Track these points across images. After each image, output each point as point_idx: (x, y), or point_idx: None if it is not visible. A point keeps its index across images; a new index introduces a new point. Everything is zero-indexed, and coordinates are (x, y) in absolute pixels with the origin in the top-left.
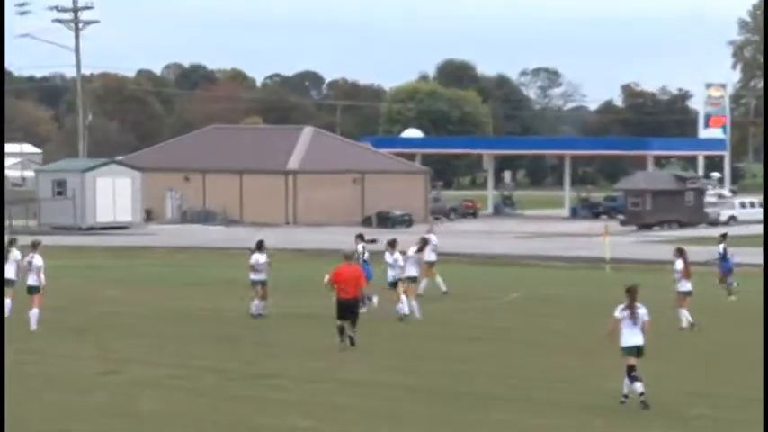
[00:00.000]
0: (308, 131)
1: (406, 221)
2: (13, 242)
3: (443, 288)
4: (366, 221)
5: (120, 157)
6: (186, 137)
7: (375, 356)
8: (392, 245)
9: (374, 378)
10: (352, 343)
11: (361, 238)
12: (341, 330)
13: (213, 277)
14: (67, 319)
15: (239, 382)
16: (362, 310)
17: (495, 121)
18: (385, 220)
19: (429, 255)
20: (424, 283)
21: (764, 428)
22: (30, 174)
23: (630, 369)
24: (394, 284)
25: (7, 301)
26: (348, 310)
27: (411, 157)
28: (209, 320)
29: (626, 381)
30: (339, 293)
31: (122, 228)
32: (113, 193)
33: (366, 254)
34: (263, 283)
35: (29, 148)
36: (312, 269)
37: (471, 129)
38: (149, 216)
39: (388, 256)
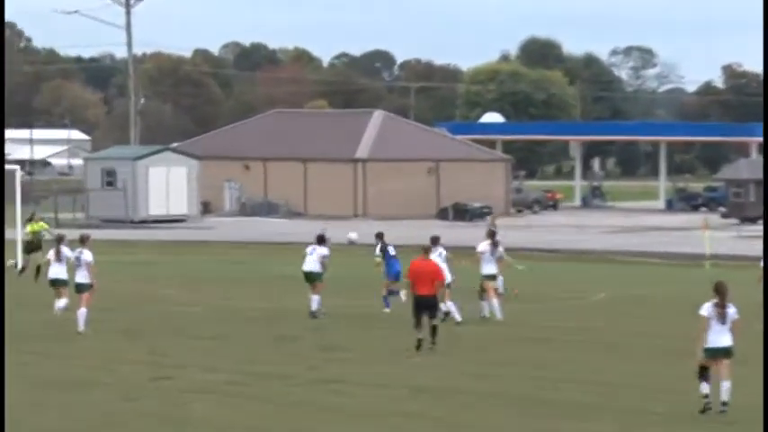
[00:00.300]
0: (378, 116)
1: (485, 214)
2: (62, 239)
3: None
4: (442, 214)
5: (175, 144)
6: (246, 122)
7: (449, 360)
8: (434, 242)
9: (448, 384)
10: (434, 340)
11: (380, 237)
12: (417, 324)
13: (274, 274)
14: (117, 319)
15: (301, 388)
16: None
17: (583, 105)
18: (462, 213)
19: None
20: (501, 280)
21: (765, 429)
22: (78, 162)
23: (704, 369)
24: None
25: (63, 300)
26: (424, 308)
27: (491, 144)
28: (269, 321)
29: (704, 384)
30: (414, 290)
31: (177, 221)
32: (167, 184)
33: (393, 250)
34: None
35: (76, 134)
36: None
37: (557, 113)
38: (206, 208)
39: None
